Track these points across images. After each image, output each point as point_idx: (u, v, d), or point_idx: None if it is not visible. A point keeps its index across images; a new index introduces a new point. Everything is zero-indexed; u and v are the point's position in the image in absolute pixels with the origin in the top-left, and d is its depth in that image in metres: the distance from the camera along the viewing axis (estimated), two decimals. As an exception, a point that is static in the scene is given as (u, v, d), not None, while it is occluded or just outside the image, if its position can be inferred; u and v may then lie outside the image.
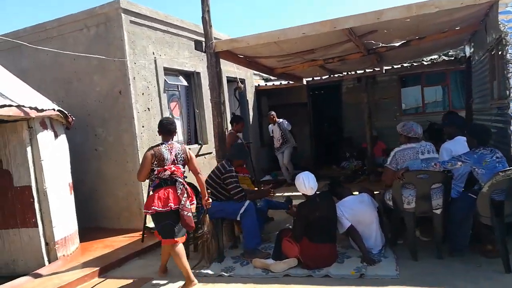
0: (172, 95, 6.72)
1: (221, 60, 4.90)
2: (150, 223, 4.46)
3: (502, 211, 3.31)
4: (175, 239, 3.61)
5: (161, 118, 5.98)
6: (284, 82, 9.39)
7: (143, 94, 5.81)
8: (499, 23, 3.81)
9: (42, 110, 4.25)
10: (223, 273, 3.93)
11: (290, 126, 8.14)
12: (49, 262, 4.41)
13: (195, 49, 4.81)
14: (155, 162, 3.60)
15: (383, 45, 5.54)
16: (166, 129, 3.79)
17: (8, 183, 4.36)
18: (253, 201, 4.43)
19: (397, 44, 5.57)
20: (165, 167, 3.60)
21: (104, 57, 5.45)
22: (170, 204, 3.53)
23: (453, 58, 7.98)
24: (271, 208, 4.98)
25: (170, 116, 6.46)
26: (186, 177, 3.87)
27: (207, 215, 3.97)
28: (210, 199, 3.94)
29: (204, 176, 3.93)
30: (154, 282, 3.95)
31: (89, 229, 5.68)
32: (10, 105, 3.84)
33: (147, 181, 3.80)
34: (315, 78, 8.92)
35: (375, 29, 4.58)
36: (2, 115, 3.85)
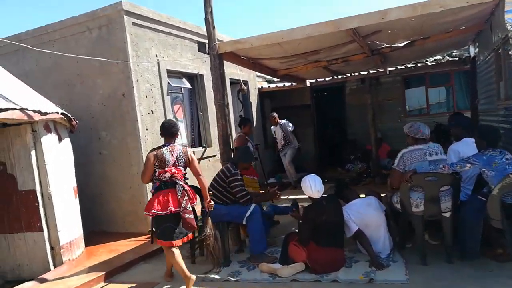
0: (176, 98, 6.69)
1: (224, 62, 4.87)
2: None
3: (513, 214, 3.26)
4: (173, 242, 3.63)
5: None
6: (287, 84, 9.36)
7: (146, 96, 5.78)
8: (506, 22, 3.76)
9: (45, 113, 4.23)
10: (229, 277, 3.89)
11: (292, 127, 8.07)
12: (55, 267, 4.37)
13: (198, 50, 4.77)
14: (157, 164, 3.63)
15: (387, 45, 5.50)
16: (168, 131, 3.83)
17: (12, 187, 4.33)
18: (259, 205, 4.39)
19: (401, 45, 5.53)
20: (165, 169, 3.62)
21: (107, 60, 5.42)
22: (170, 207, 3.55)
23: (457, 58, 7.93)
24: (278, 214, 4.94)
25: (174, 119, 6.44)
26: (187, 178, 3.88)
27: (210, 217, 3.94)
28: (212, 201, 3.93)
29: (205, 178, 3.93)
30: (160, 287, 3.91)
31: (94, 233, 5.66)
32: (13, 109, 3.81)
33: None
34: (318, 80, 8.88)
35: (379, 29, 4.54)
36: (6, 118, 3.82)
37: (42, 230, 4.29)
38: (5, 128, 4.30)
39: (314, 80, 8.92)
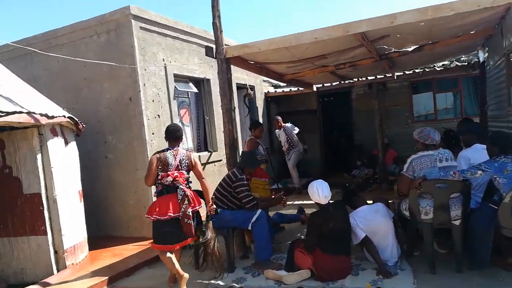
0: (182, 102, 6.69)
1: (231, 67, 4.85)
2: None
3: (526, 222, 3.18)
4: (170, 246, 3.69)
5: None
6: (293, 89, 9.32)
7: (153, 101, 5.78)
8: (517, 26, 3.71)
9: (52, 117, 4.23)
10: (234, 284, 3.84)
11: (296, 130, 7.95)
12: (58, 271, 4.34)
13: (206, 55, 4.76)
14: (160, 167, 3.67)
15: (395, 50, 5.45)
16: (173, 135, 3.88)
17: (17, 191, 4.33)
18: (265, 210, 4.34)
19: (410, 49, 5.48)
20: (168, 172, 3.67)
21: (114, 64, 5.43)
22: (169, 213, 3.59)
23: (466, 63, 7.84)
24: (285, 222, 4.87)
25: (180, 123, 6.43)
26: (191, 182, 3.93)
27: (211, 221, 3.94)
28: (214, 205, 4.00)
29: (210, 183, 3.98)
30: (164, 292, 3.88)
31: (98, 237, 5.63)
32: (20, 112, 3.82)
33: (157, 189, 3.82)
34: (325, 85, 8.83)
35: (388, 33, 4.49)
36: (13, 121, 3.82)
37: (46, 234, 4.28)
38: (12, 131, 4.31)
39: (320, 85, 8.87)
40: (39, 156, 4.28)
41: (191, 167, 3.87)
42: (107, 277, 4.16)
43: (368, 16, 4.05)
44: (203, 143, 7.24)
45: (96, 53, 5.74)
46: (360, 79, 8.49)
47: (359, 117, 9.80)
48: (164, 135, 3.99)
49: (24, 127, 4.21)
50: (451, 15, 3.73)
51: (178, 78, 6.42)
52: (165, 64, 6.07)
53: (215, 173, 7.05)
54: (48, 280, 4.15)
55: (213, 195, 4.38)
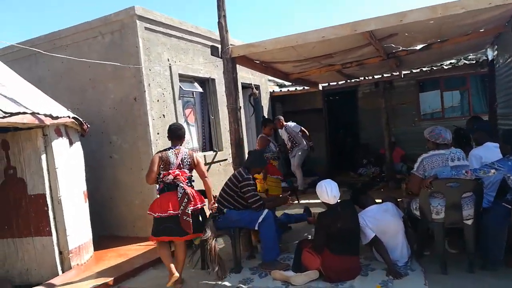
0: (187, 102, 6.65)
1: (237, 66, 4.80)
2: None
3: (540, 222, 3.10)
4: (168, 237, 3.79)
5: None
6: (299, 88, 9.26)
7: (158, 101, 5.74)
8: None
9: (57, 118, 4.20)
10: (241, 285, 3.79)
11: (298, 128, 7.79)
12: (63, 272, 4.31)
13: (211, 54, 4.71)
14: (162, 166, 3.74)
15: (403, 48, 5.37)
16: (175, 134, 3.94)
17: (22, 191, 4.29)
18: (272, 210, 4.29)
19: (418, 48, 5.40)
20: (169, 171, 3.72)
21: (119, 64, 5.40)
22: (169, 210, 3.65)
23: (474, 61, 7.74)
24: (293, 222, 4.82)
25: (185, 123, 6.40)
26: (193, 181, 3.97)
27: (212, 220, 3.96)
28: (216, 203, 4.04)
29: (216, 182, 3.94)
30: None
31: (103, 237, 5.60)
32: (24, 113, 3.79)
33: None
34: (331, 84, 8.76)
35: (396, 32, 4.42)
36: (17, 122, 3.79)
37: (51, 235, 4.24)
38: (16, 132, 4.28)
39: (326, 84, 8.80)
40: (43, 157, 4.25)
41: (193, 165, 3.90)
42: (112, 278, 4.12)
43: (371, 16, 3.98)
44: (208, 142, 7.20)
45: (101, 54, 5.71)
46: (366, 78, 8.41)
47: (365, 116, 9.74)
48: (167, 134, 4.04)
49: (28, 128, 4.18)
50: (461, 13, 3.65)
51: (183, 78, 6.38)
52: (170, 64, 6.03)
53: (220, 173, 7.01)
54: (53, 281, 4.11)
55: (218, 195, 4.35)
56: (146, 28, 5.63)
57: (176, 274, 3.73)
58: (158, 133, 5.66)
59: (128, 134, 5.71)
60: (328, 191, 3.62)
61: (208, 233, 3.81)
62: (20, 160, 4.30)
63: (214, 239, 3.85)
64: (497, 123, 6.27)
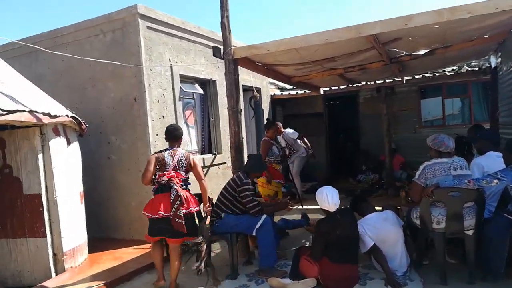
0: (187, 103, 6.59)
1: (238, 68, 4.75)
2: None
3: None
4: (162, 237, 3.80)
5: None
6: (300, 92, 9.22)
7: (158, 101, 5.69)
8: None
9: (55, 116, 4.14)
10: (237, 292, 3.72)
11: (296, 135, 7.51)
12: (56, 274, 4.25)
13: (213, 55, 4.65)
14: (157, 167, 3.76)
15: (406, 53, 5.32)
16: (172, 134, 3.95)
17: (17, 191, 4.23)
18: (271, 215, 4.23)
19: (421, 53, 5.35)
20: (164, 172, 3.73)
21: (119, 63, 5.34)
22: (160, 211, 3.65)
23: (477, 68, 7.69)
24: (290, 228, 4.76)
25: (185, 125, 6.34)
26: (189, 184, 3.96)
27: (206, 223, 3.93)
28: (211, 206, 4.03)
29: (211, 184, 3.93)
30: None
31: (99, 239, 5.53)
32: (22, 110, 3.72)
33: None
34: (332, 88, 8.72)
35: (400, 36, 4.37)
36: (14, 120, 3.73)
37: (45, 236, 4.18)
38: (13, 130, 4.22)
39: (327, 88, 8.75)
40: (40, 156, 4.19)
41: (189, 167, 3.90)
42: (106, 282, 4.05)
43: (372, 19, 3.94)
44: (208, 145, 7.14)
45: (101, 52, 5.66)
46: (368, 82, 8.37)
47: (366, 121, 9.68)
48: (164, 136, 4.04)
49: (26, 126, 4.12)
50: (467, 18, 3.60)
51: (184, 79, 6.33)
52: (171, 64, 5.98)
53: (219, 176, 6.95)
54: (46, 283, 4.05)
55: (217, 199, 4.29)
56: (148, 27, 5.58)
57: (163, 282, 3.87)
58: (157, 134, 5.60)
59: (127, 135, 5.65)
60: (329, 199, 3.56)
61: (200, 237, 3.76)
62: (16, 159, 4.24)
63: (206, 243, 3.78)
64: (499, 132, 6.22)
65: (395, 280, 3.57)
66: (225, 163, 7.04)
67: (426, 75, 8.09)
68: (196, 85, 6.70)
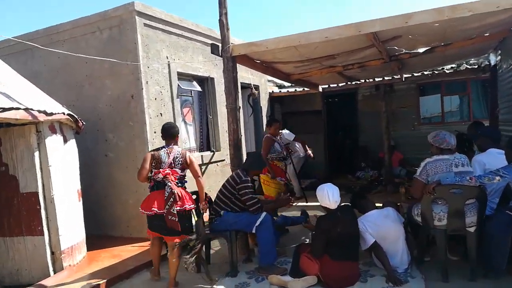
0: (185, 101, 6.55)
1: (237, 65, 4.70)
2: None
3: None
4: (159, 234, 3.84)
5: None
6: (298, 89, 9.18)
7: (155, 99, 5.64)
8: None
9: (51, 114, 4.09)
10: (237, 290, 3.69)
11: (292, 136, 7.18)
12: (54, 272, 4.20)
13: (212, 52, 4.61)
14: (153, 164, 3.79)
15: (406, 51, 5.29)
16: (168, 132, 3.98)
17: (14, 189, 4.17)
18: (270, 213, 4.19)
19: (421, 51, 5.33)
20: (160, 170, 3.75)
21: (116, 61, 5.29)
22: (153, 208, 3.67)
23: (476, 66, 7.68)
24: (289, 225, 4.73)
25: (183, 122, 6.30)
26: (186, 181, 3.95)
27: (201, 220, 3.91)
28: (208, 203, 4.05)
29: (210, 181, 3.92)
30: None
31: (97, 236, 5.49)
32: (17, 108, 3.67)
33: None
34: (331, 85, 8.69)
35: (400, 34, 4.34)
36: (9, 118, 3.67)
37: (43, 234, 4.13)
38: (9, 128, 4.16)
39: (326, 86, 8.73)
40: (36, 154, 4.14)
41: (185, 165, 3.89)
42: (104, 280, 4.01)
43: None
44: (206, 142, 7.09)
45: (98, 50, 5.60)
46: (367, 80, 8.34)
47: (365, 119, 9.67)
48: (161, 134, 4.06)
49: (21, 124, 4.07)
50: (468, 16, 3.57)
51: (182, 76, 6.28)
52: (168, 62, 5.93)
53: (217, 173, 6.91)
54: (44, 282, 4.00)
55: (216, 196, 4.26)
56: (145, 25, 5.53)
57: (158, 278, 4.04)
58: (155, 132, 5.55)
59: (124, 133, 5.60)
60: (330, 196, 3.54)
61: (193, 235, 3.75)
62: (12, 157, 4.19)
63: (200, 241, 3.76)
64: (499, 129, 6.21)
65: (396, 277, 3.55)
66: (223, 160, 7.00)
67: (425, 72, 8.07)
68: (194, 83, 6.65)
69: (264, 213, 4.04)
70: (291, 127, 7.79)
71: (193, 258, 3.63)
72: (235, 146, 4.60)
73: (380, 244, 3.66)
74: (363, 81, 8.37)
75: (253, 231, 4.02)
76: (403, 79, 7.90)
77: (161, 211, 3.66)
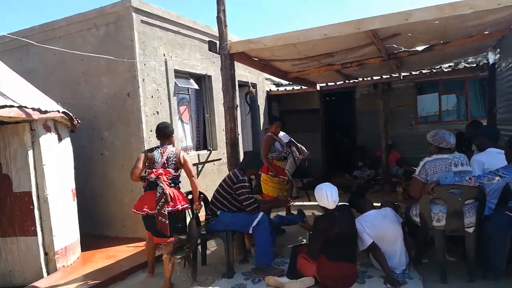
0: (182, 99, 6.48)
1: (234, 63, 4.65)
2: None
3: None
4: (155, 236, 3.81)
5: (170, 122, 5.77)
6: (296, 87, 9.13)
7: (152, 97, 5.57)
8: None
9: (45, 112, 4.03)
10: (233, 291, 3.65)
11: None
12: (48, 274, 4.14)
13: (209, 50, 4.55)
14: (147, 164, 3.79)
15: (405, 49, 5.25)
16: (162, 132, 3.96)
17: (7, 189, 4.11)
18: (267, 213, 4.15)
19: (420, 49, 5.28)
20: (153, 169, 3.73)
21: (113, 58, 5.22)
22: (145, 209, 3.65)
23: (474, 65, 7.65)
24: (285, 224, 4.68)
25: (179, 121, 6.24)
26: (180, 182, 3.93)
27: (195, 220, 3.87)
28: (202, 204, 4.02)
29: (197, 180, 4.00)
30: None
31: (92, 236, 5.43)
32: (11, 106, 3.61)
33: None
34: (328, 84, 8.64)
35: (399, 32, 4.30)
36: (2, 116, 3.60)
37: (36, 235, 4.07)
38: (2, 126, 4.09)
39: (324, 84, 8.68)
40: (30, 153, 4.08)
41: (179, 165, 3.86)
42: (99, 281, 3.95)
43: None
44: (203, 141, 7.04)
45: (94, 47, 5.53)
46: (365, 78, 8.30)
47: (362, 117, 9.65)
48: (156, 134, 4.04)
49: (15, 122, 4.00)
50: (468, 14, 3.53)
51: (179, 74, 6.22)
52: (165, 59, 5.86)
53: (214, 172, 6.86)
54: (38, 283, 3.95)
55: (212, 196, 4.21)
56: (142, 21, 5.46)
57: (151, 275, 4.12)
58: (151, 130, 5.49)
59: (120, 131, 5.53)
60: (328, 196, 3.49)
61: (189, 233, 3.69)
62: (5, 155, 4.12)
63: (192, 241, 3.70)
64: (497, 128, 6.19)
65: (394, 278, 3.52)
66: (220, 159, 6.95)
67: (423, 71, 8.03)
68: (191, 80, 6.59)
69: (261, 213, 4.00)
70: (289, 126, 7.73)
71: (181, 257, 3.60)
72: (232, 145, 4.55)
73: (378, 244, 3.62)
74: (361, 79, 8.32)
75: (250, 231, 3.98)
76: (401, 78, 7.86)
77: (152, 212, 3.63)
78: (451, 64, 7.93)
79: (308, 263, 3.58)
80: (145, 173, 3.80)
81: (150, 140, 5.44)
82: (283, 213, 5.33)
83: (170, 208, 3.63)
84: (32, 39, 5.15)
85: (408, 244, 3.88)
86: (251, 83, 7.33)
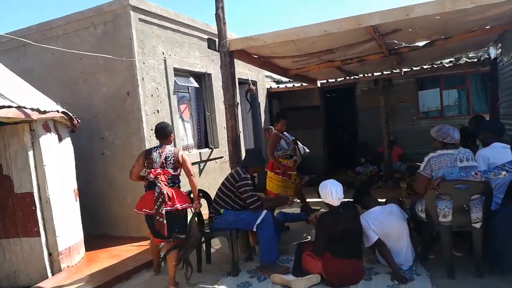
0: (182, 97, 6.44)
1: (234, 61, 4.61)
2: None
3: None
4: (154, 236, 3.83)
5: (170, 121, 5.74)
6: (296, 84, 9.10)
7: (152, 95, 5.54)
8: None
9: (45, 112, 3.99)
10: (239, 289, 3.62)
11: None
12: (52, 274, 4.12)
13: (208, 47, 4.51)
14: (146, 164, 3.80)
15: (406, 45, 5.21)
16: (161, 133, 3.95)
17: (8, 190, 4.08)
18: (271, 211, 4.12)
19: (421, 44, 5.24)
20: (151, 169, 3.73)
21: (111, 57, 5.18)
22: (144, 209, 3.68)
23: (475, 60, 7.62)
24: (289, 221, 4.65)
25: (180, 119, 6.20)
26: (180, 181, 3.91)
27: (196, 218, 3.85)
28: (201, 202, 3.97)
29: (196, 179, 3.98)
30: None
31: (95, 236, 5.41)
32: (9, 106, 3.57)
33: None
34: (329, 81, 8.60)
35: (400, 27, 4.25)
36: (1, 116, 3.57)
37: (39, 235, 4.04)
38: (1, 126, 4.05)
39: (324, 81, 8.64)
40: (30, 153, 4.04)
41: (178, 164, 3.85)
42: (104, 281, 3.93)
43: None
44: (204, 139, 7.00)
45: (93, 46, 5.48)
46: (366, 75, 8.26)
47: (363, 114, 9.62)
48: (155, 134, 4.03)
49: (14, 123, 3.96)
50: (470, 8, 3.49)
51: (178, 72, 6.18)
52: (164, 57, 5.82)
53: (216, 170, 6.83)
54: (42, 284, 3.93)
55: (215, 194, 4.19)
56: (140, 20, 5.42)
57: (156, 273, 4.15)
58: (152, 129, 5.43)
59: (120, 130, 5.50)
60: (333, 192, 3.46)
61: (190, 233, 3.68)
62: (6, 156, 4.08)
63: (191, 240, 3.69)
64: (501, 123, 6.16)
65: (402, 274, 3.49)
66: (222, 157, 6.92)
67: (424, 66, 8.00)
68: (191, 79, 6.55)
69: (264, 211, 3.96)
70: (290, 123, 7.63)
71: (170, 252, 3.63)
72: (233, 143, 4.51)
73: (383, 241, 3.59)
74: (361, 75, 8.29)
75: (254, 229, 3.95)
76: (402, 74, 7.83)
77: (151, 212, 3.63)
78: (452, 59, 7.90)
79: (313, 260, 3.55)
80: (144, 172, 3.81)
81: (151, 139, 5.40)
82: (286, 210, 5.29)
83: (168, 208, 3.61)
84: (30, 39, 5.11)
85: (414, 240, 3.85)
86: (251, 80, 7.30)
